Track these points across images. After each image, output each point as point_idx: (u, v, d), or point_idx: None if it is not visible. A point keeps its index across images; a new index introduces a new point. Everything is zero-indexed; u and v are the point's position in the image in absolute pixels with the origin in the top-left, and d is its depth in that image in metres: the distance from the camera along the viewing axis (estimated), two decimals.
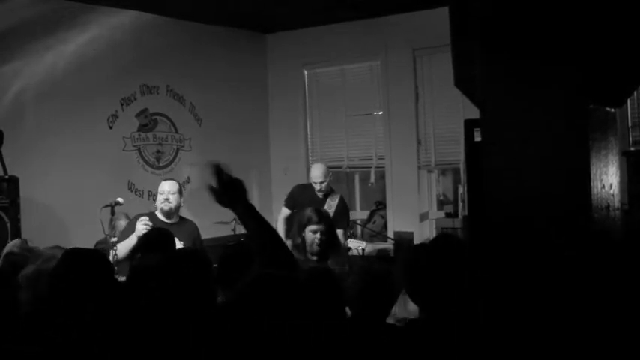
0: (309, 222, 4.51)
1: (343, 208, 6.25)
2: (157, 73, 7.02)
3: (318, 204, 6.10)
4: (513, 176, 1.90)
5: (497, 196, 1.94)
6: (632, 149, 5.95)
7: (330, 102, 7.89)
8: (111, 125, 6.65)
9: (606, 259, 1.90)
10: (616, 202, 1.92)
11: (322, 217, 4.62)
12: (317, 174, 6.19)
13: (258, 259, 2.48)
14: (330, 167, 7.86)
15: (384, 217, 7.58)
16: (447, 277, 2.67)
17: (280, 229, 6.25)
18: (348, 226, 6.30)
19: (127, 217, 5.49)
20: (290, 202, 6.36)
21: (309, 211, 4.63)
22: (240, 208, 2.44)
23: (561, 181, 1.85)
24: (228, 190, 2.39)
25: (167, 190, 5.22)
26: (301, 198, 6.26)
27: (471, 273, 2.71)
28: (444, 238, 3.42)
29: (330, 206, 6.17)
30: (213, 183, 2.39)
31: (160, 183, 5.41)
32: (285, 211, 6.34)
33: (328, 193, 6.21)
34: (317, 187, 6.17)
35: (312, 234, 4.48)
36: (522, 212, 1.90)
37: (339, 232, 6.06)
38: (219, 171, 2.40)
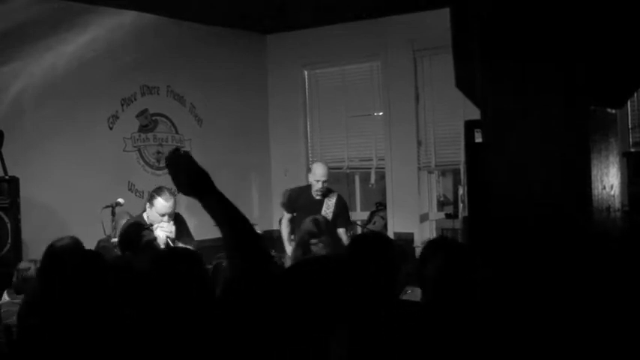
0: (310, 237, 4.60)
1: (342, 207, 6.29)
2: (157, 74, 7.02)
3: (316, 205, 6.15)
4: (514, 177, 1.90)
5: (497, 197, 1.94)
6: (632, 150, 5.94)
7: (331, 103, 7.88)
8: (111, 126, 6.65)
9: (606, 260, 1.89)
10: (617, 204, 1.92)
11: (321, 229, 4.68)
12: (321, 172, 6.21)
13: (229, 251, 2.26)
14: (330, 168, 7.90)
15: (384, 218, 7.58)
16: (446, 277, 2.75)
17: (284, 232, 6.30)
18: (350, 224, 6.32)
19: (130, 215, 5.47)
20: (289, 207, 6.40)
21: (308, 225, 4.70)
22: (209, 198, 2.17)
23: (562, 182, 1.84)
24: (193, 178, 2.14)
25: (169, 212, 4.96)
26: (300, 200, 6.31)
27: (471, 272, 2.72)
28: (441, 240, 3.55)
29: (329, 206, 6.21)
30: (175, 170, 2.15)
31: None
32: (287, 216, 6.38)
33: (325, 193, 6.22)
34: (319, 185, 6.17)
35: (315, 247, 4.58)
36: (523, 213, 1.90)
37: (341, 231, 6.09)
38: (173, 159, 2.16)
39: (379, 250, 2.96)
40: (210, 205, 2.17)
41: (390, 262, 2.92)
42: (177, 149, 2.22)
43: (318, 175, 6.19)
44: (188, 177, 2.13)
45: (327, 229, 4.75)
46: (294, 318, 2.09)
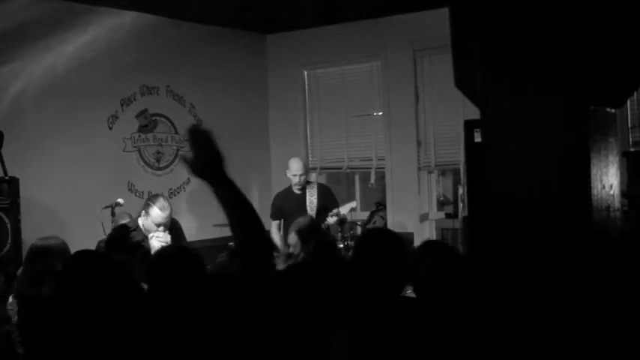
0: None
1: (326, 192, 6.50)
2: (156, 74, 7.02)
3: (300, 200, 6.37)
4: (514, 177, 1.90)
5: (497, 197, 1.94)
6: (632, 150, 5.94)
7: (331, 103, 7.88)
8: (111, 126, 6.65)
9: (606, 260, 1.89)
10: (616, 203, 1.92)
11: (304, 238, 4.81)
12: (297, 166, 6.39)
13: (235, 242, 2.17)
14: (330, 168, 7.93)
15: (384, 218, 7.57)
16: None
17: (276, 241, 6.33)
18: (338, 204, 6.41)
19: (130, 216, 5.47)
20: (276, 214, 6.54)
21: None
22: (222, 184, 2.09)
23: (562, 182, 1.84)
24: (206, 157, 2.05)
25: (165, 222, 4.91)
26: (284, 204, 6.48)
27: (469, 273, 2.73)
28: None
29: (312, 194, 6.43)
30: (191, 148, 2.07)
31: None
32: (275, 224, 6.52)
33: (304, 186, 6.41)
34: (297, 179, 6.36)
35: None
36: (522, 213, 1.90)
37: (334, 212, 6.28)
38: (197, 133, 2.07)
39: (378, 248, 2.96)
40: (221, 193, 2.09)
41: (389, 259, 2.92)
42: (198, 125, 2.16)
43: (294, 170, 6.38)
44: (208, 154, 2.04)
45: (311, 235, 4.87)
46: (294, 318, 2.10)
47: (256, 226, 2.16)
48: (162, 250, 3.53)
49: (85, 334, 2.63)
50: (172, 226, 5.10)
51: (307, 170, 6.53)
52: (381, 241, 3.06)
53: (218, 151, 2.05)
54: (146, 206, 4.99)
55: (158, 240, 4.73)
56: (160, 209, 4.89)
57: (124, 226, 4.84)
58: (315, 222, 5.36)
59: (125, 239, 4.18)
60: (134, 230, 4.76)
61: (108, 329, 2.67)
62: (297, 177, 6.33)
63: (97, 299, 2.74)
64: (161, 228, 4.87)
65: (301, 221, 5.07)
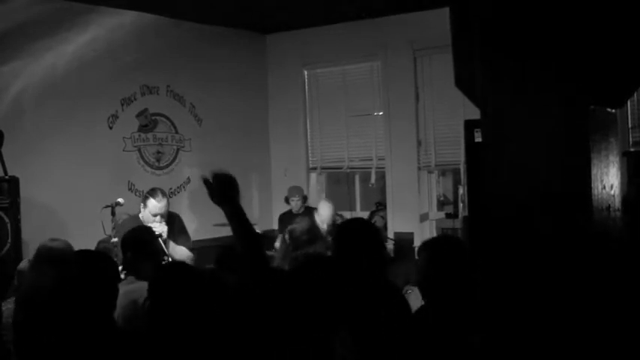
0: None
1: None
2: (157, 74, 7.02)
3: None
4: (513, 177, 1.90)
5: (497, 197, 1.94)
6: (632, 150, 5.94)
7: (331, 102, 7.88)
8: (111, 125, 6.65)
9: (606, 260, 1.89)
10: (617, 203, 1.91)
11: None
12: (327, 215, 6.27)
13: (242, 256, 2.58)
14: (330, 168, 7.93)
15: (384, 218, 7.58)
16: (448, 274, 2.76)
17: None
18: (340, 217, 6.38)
19: (129, 215, 5.48)
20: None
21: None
22: (231, 207, 2.55)
23: (562, 182, 1.84)
24: (224, 188, 2.52)
25: (161, 212, 5.07)
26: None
27: (471, 272, 2.73)
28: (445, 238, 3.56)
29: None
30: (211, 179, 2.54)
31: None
32: (280, 237, 6.47)
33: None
34: (323, 225, 6.13)
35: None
36: (522, 213, 1.90)
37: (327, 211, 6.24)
38: (220, 177, 2.53)
39: (365, 241, 3.01)
40: (232, 218, 2.54)
41: (377, 251, 3.01)
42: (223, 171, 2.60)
43: (323, 217, 6.26)
44: (228, 190, 2.51)
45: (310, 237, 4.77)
46: (295, 318, 2.10)
47: (255, 242, 2.58)
48: (165, 267, 3.57)
49: (84, 333, 2.63)
50: (170, 218, 5.19)
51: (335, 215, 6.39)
52: (376, 237, 3.08)
53: (236, 186, 2.54)
54: (144, 199, 5.23)
55: (155, 230, 4.78)
56: (157, 200, 5.10)
57: (150, 230, 4.78)
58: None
59: (148, 243, 4.14)
60: (156, 238, 4.71)
61: (108, 329, 2.67)
62: (325, 224, 6.14)
63: (98, 299, 2.75)
64: (157, 218, 5.06)
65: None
